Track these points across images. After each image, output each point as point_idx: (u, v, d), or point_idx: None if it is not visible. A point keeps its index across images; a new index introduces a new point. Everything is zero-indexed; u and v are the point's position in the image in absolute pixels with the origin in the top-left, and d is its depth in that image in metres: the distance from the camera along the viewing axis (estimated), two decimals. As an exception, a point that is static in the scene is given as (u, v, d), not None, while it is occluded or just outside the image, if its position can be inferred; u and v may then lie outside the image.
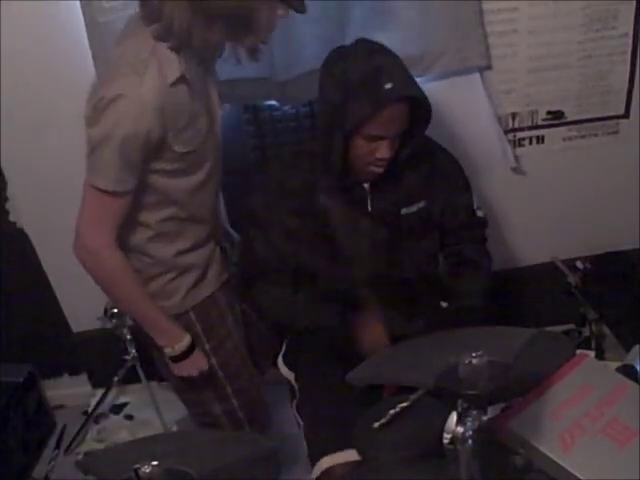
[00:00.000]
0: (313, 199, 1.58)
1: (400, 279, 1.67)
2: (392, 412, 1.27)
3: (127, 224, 1.50)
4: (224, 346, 1.70)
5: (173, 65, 1.37)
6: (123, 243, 1.50)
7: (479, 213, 1.72)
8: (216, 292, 1.69)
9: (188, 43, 1.36)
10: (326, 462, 1.50)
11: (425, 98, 1.48)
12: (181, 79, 1.39)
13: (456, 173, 1.70)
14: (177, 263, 1.60)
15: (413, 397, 1.28)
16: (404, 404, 1.27)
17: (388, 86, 1.40)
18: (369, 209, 1.60)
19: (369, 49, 1.49)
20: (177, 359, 1.60)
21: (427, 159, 1.62)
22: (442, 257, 1.74)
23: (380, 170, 1.53)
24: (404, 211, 1.61)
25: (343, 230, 1.60)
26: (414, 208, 1.62)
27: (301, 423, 1.68)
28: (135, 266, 1.54)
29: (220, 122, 1.61)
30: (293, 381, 1.78)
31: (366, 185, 1.58)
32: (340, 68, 1.47)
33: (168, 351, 1.59)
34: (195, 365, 1.63)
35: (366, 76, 1.42)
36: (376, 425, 1.26)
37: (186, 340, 1.60)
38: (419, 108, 1.49)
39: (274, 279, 1.65)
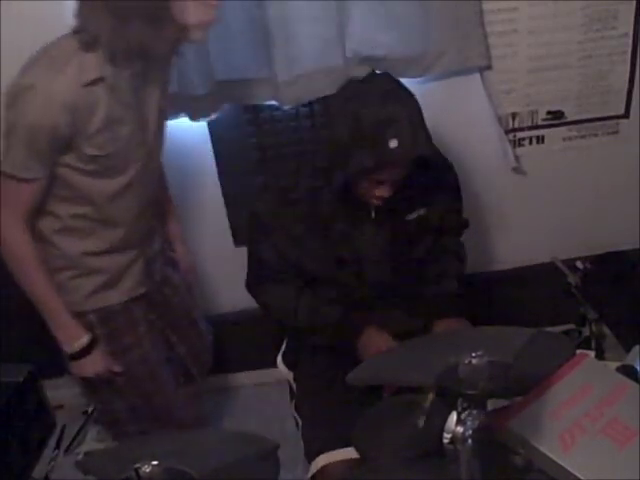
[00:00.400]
0: (317, 207, 1.58)
1: (400, 282, 1.68)
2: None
3: (40, 212, 1.52)
4: (127, 355, 1.69)
5: (92, 66, 1.38)
6: (35, 230, 1.53)
7: (463, 217, 1.77)
8: (129, 302, 1.68)
9: (109, 44, 1.36)
10: (322, 460, 1.51)
11: (432, 155, 1.49)
12: (99, 81, 1.38)
13: (451, 180, 1.72)
14: (83, 262, 1.59)
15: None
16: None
17: (393, 144, 1.39)
18: (372, 216, 1.60)
19: (384, 92, 1.45)
20: (74, 357, 1.61)
21: (426, 165, 1.63)
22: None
23: (380, 203, 1.55)
24: (407, 217, 1.63)
25: (347, 237, 1.61)
26: (415, 215, 1.64)
27: (299, 422, 1.68)
28: (42, 256, 1.55)
29: (159, 133, 1.59)
30: (292, 380, 1.78)
31: None
32: (352, 106, 1.45)
33: (66, 348, 1.60)
34: (93, 367, 1.63)
35: (374, 126, 1.40)
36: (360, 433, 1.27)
37: (85, 339, 1.60)
38: None
39: (278, 280, 1.66)
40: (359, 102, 1.45)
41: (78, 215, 1.54)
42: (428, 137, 1.47)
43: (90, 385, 1.71)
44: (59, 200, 1.52)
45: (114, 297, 1.65)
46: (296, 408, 1.71)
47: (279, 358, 1.85)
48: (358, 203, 1.58)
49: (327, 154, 1.53)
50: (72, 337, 1.60)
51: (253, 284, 1.73)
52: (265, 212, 1.62)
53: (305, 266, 1.64)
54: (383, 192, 1.50)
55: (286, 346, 1.86)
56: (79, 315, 1.62)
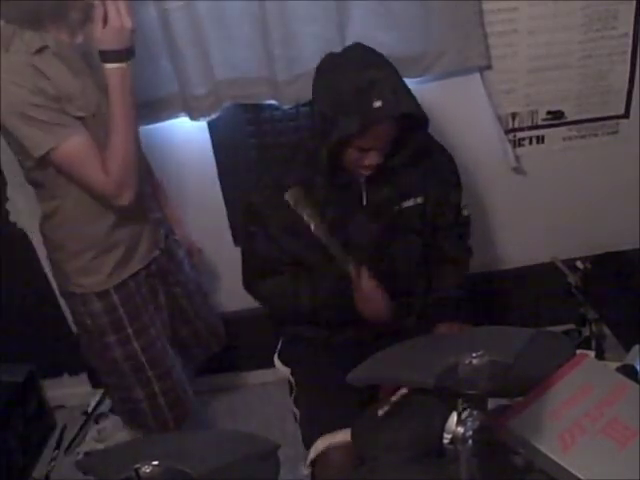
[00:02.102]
0: (310, 194, 1.58)
1: (394, 272, 1.68)
2: (394, 399, 1.27)
3: (58, 197, 1.59)
4: (148, 331, 1.74)
5: (34, 39, 1.45)
6: (57, 216, 1.62)
7: (464, 212, 1.76)
8: (140, 277, 1.73)
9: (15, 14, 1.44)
10: (322, 443, 1.52)
11: (417, 112, 1.48)
12: (44, 49, 1.45)
13: (450, 170, 1.72)
14: (106, 239, 1.65)
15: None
16: (403, 391, 1.28)
17: (377, 104, 1.40)
18: (364, 203, 1.61)
19: (362, 59, 1.48)
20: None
21: (425, 155, 1.64)
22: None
23: (369, 172, 1.55)
24: (399, 206, 1.63)
25: (339, 224, 1.61)
26: (410, 203, 1.64)
27: (298, 414, 1.69)
28: (59, 242, 1.64)
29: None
30: (290, 376, 1.79)
31: (362, 180, 1.60)
32: (332, 78, 1.48)
33: None
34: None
35: (356, 91, 1.41)
36: (380, 412, 1.26)
37: None
38: (411, 118, 1.49)
39: (274, 272, 1.67)
40: (338, 72, 1.47)
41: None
42: (411, 96, 1.48)
43: (113, 370, 1.75)
44: (66, 181, 1.56)
45: (133, 266, 1.70)
46: (295, 401, 1.73)
47: (275, 357, 1.86)
48: (351, 184, 1.58)
49: (314, 127, 1.54)
50: None
51: (250, 281, 1.74)
52: (260, 201, 1.63)
53: (300, 255, 1.64)
54: (372, 159, 1.51)
55: (281, 345, 1.87)
56: (102, 298, 1.67)
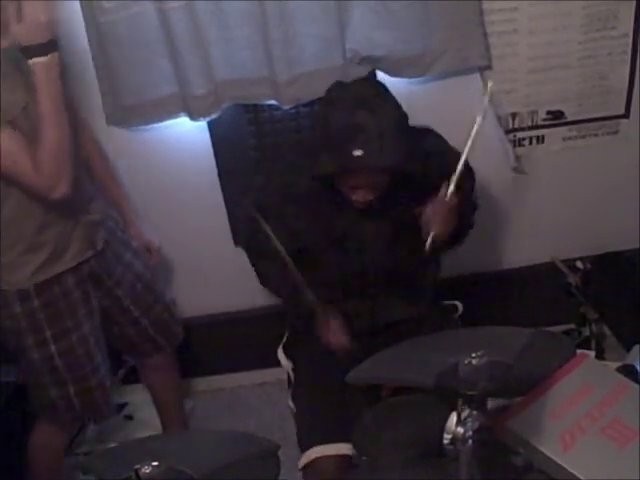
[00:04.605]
0: (318, 202, 1.59)
1: (404, 271, 1.69)
2: (391, 400, 1.28)
3: None
4: (69, 335, 1.73)
5: None
6: None
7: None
8: (69, 282, 1.71)
9: None
10: (315, 453, 1.52)
11: (398, 167, 1.44)
12: None
13: (451, 158, 1.66)
14: (34, 238, 1.63)
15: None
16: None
17: (357, 153, 1.38)
18: (376, 207, 1.60)
19: (360, 100, 1.42)
20: None
21: (431, 157, 1.64)
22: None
23: (362, 207, 1.54)
24: (409, 207, 1.62)
25: (349, 231, 1.62)
26: (416, 204, 1.63)
27: (294, 411, 1.70)
28: None
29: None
30: (291, 371, 1.80)
31: None
32: (327, 112, 1.46)
33: None
34: None
35: (341, 134, 1.40)
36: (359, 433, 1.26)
37: None
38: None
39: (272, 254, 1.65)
40: (333, 106, 1.45)
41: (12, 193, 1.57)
42: (400, 147, 1.42)
43: (30, 369, 1.76)
44: None
45: (59, 267, 1.68)
46: (292, 397, 1.73)
47: (280, 349, 1.86)
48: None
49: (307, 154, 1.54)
50: None
51: (247, 245, 1.76)
52: (268, 207, 1.62)
53: (307, 254, 1.64)
54: (360, 197, 1.50)
55: (287, 338, 1.87)
56: (23, 301, 1.66)
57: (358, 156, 1.38)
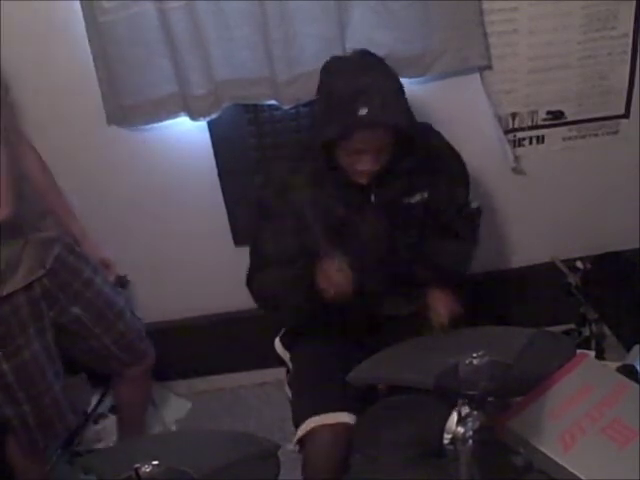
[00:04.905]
0: (321, 190, 1.60)
1: (397, 265, 1.69)
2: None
3: None
4: (20, 354, 1.71)
5: None
6: None
7: (474, 205, 1.75)
8: (20, 300, 1.68)
9: None
10: (311, 423, 1.51)
11: (402, 124, 1.47)
12: None
13: (457, 166, 1.72)
14: None
15: None
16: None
17: (362, 112, 1.41)
18: (372, 200, 1.61)
19: (360, 66, 1.49)
20: None
21: (430, 151, 1.65)
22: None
23: (364, 181, 1.55)
24: (406, 201, 1.64)
25: (347, 221, 1.62)
26: (417, 198, 1.64)
27: (290, 395, 1.70)
28: None
29: None
30: (288, 361, 1.80)
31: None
32: (328, 81, 1.50)
33: None
34: None
35: (345, 97, 1.43)
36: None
37: None
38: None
39: (277, 264, 1.66)
40: (335, 75, 1.50)
41: None
42: (402, 107, 1.48)
43: None
44: None
45: (9, 287, 1.65)
46: (289, 383, 1.74)
47: (277, 339, 1.86)
48: (358, 186, 1.59)
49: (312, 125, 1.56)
50: None
51: (251, 277, 1.73)
52: (270, 197, 1.64)
53: (307, 250, 1.63)
54: (365, 165, 1.50)
55: (284, 330, 1.88)
56: None
57: (362, 115, 1.40)
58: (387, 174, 1.57)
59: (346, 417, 1.49)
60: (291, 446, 1.56)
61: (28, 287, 1.69)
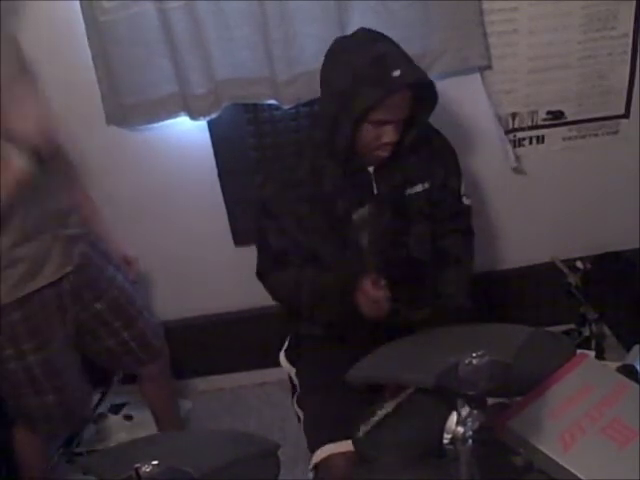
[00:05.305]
0: (320, 185, 1.60)
1: (408, 260, 1.68)
2: (375, 418, 1.28)
3: None
4: (47, 347, 1.73)
5: None
6: None
7: (465, 201, 1.75)
8: (49, 296, 1.70)
9: None
10: (325, 451, 1.51)
11: (431, 83, 1.52)
12: None
13: (451, 156, 1.73)
14: (7, 255, 1.61)
15: (396, 401, 1.29)
16: (387, 410, 1.28)
17: (396, 73, 1.43)
18: (374, 192, 1.62)
19: (371, 37, 1.52)
20: None
21: (426, 142, 1.66)
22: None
23: (386, 154, 1.56)
24: (408, 192, 1.64)
25: (350, 214, 1.62)
26: (419, 188, 1.65)
27: (302, 417, 1.68)
28: None
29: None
30: (294, 376, 1.79)
31: (370, 169, 1.61)
32: (345, 57, 1.50)
33: None
34: None
35: (373, 63, 1.45)
36: (360, 434, 1.27)
37: None
38: (422, 94, 1.52)
39: (286, 264, 1.67)
40: (351, 49, 1.51)
41: None
42: (420, 68, 1.54)
43: (8, 378, 1.75)
44: None
45: (38, 283, 1.67)
46: (298, 403, 1.72)
47: (282, 354, 1.85)
48: (360, 174, 1.59)
49: (328, 111, 1.53)
50: None
51: (263, 272, 1.74)
52: (270, 195, 1.64)
53: (313, 248, 1.64)
54: (390, 136, 1.51)
55: (289, 343, 1.86)
56: (4, 314, 1.65)
57: (397, 76, 1.43)
58: (387, 161, 1.57)
59: None
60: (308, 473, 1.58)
61: (56, 282, 1.71)
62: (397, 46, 1.52)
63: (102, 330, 1.88)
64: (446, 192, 1.70)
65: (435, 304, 1.71)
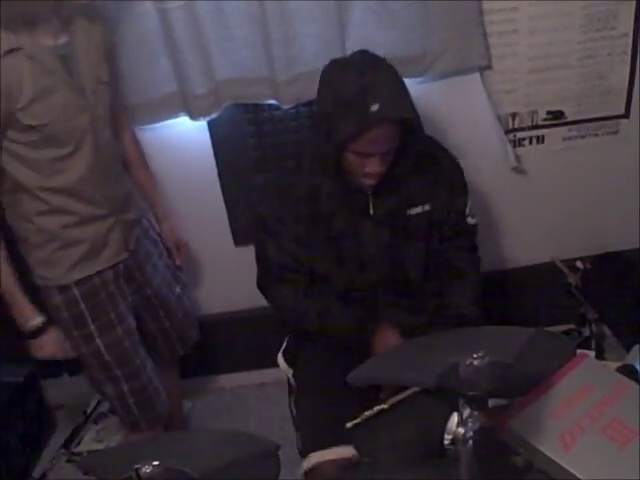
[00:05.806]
0: (317, 204, 1.59)
1: (404, 280, 1.68)
2: (367, 413, 1.28)
3: (13, 193, 1.59)
4: (114, 330, 1.74)
5: (5, 39, 1.43)
6: (14, 211, 1.62)
7: (470, 221, 1.73)
8: (108, 276, 1.72)
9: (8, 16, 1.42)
10: (315, 458, 1.51)
11: (413, 118, 1.48)
12: (16, 51, 1.43)
13: (457, 176, 1.71)
14: (64, 235, 1.64)
15: (392, 400, 1.29)
16: (382, 406, 1.28)
17: (374, 108, 1.40)
18: (371, 212, 1.61)
19: (364, 64, 1.48)
20: (30, 337, 1.68)
21: (431, 161, 1.64)
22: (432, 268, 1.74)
23: (372, 182, 1.54)
24: (409, 213, 1.63)
25: (346, 234, 1.61)
26: (418, 210, 1.63)
27: (296, 417, 1.69)
28: (22, 234, 1.65)
29: (101, 100, 1.62)
30: (291, 377, 1.79)
31: (368, 190, 1.59)
32: (333, 82, 1.49)
33: (21, 325, 1.66)
34: (48, 348, 1.71)
35: (354, 95, 1.42)
36: (349, 425, 1.27)
37: (37, 320, 1.66)
38: (410, 125, 1.49)
39: (286, 280, 1.67)
40: (340, 74, 1.48)
41: (46, 188, 1.58)
42: (410, 102, 1.48)
43: (85, 364, 1.77)
44: (25, 179, 1.56)
45: (97, 265, 1.70)
46: (295, 404, 1.72)
47: (280, 355, 1.85)
48: (357, 193, 1.58)
49: (317, 130, 1.53)
50: (24, 318, 1.66)
51: (263, 284, 1.74)
52: (268, 213, 1.63)
53: (309, 264, 1.64)
54: (373, 167, 1.50)
55: (287, 343, 1.86)
56: (63, 291, 1.67)
57: (375, 111, 1.40)
58: (385, 182, 1.56)
59: (348, 451, 1.46)
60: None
61: (114, 266, 1.74)
62: (389, 75, 1.48)
63: (147, 314, 1.89)
64: (450, 212, 1.68)
65: (444, 315, 1.69)
